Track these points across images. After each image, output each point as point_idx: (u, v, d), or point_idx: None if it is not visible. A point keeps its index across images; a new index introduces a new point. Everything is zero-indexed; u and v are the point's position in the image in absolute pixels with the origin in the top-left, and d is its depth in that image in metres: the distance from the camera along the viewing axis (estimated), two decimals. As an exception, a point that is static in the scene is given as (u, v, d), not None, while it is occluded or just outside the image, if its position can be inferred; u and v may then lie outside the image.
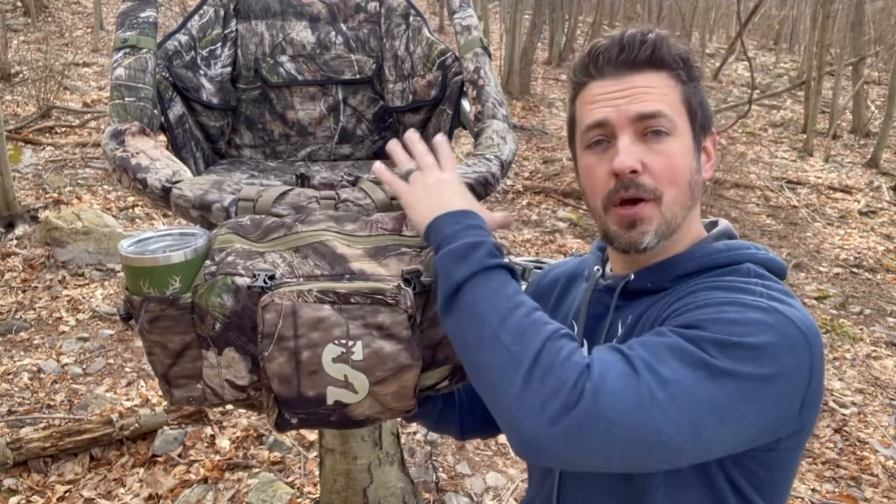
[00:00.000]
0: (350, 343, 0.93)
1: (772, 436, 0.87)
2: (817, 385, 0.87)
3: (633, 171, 0.95)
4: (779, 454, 0.91)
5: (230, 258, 0.98)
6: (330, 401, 0.96)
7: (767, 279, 0.95)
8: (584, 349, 1.08)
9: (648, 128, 0.97)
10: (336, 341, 0.93)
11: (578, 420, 0.78)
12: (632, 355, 0.83)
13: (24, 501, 3.09)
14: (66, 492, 3.17)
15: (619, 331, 1.02)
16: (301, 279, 0.97)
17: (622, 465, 0.82)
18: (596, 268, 1.13)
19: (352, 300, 0.94)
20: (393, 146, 1.11)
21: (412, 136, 1.10)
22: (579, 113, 1.04)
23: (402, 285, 0.96)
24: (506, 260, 0.94)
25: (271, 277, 0.96)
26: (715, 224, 1.10)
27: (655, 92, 0.97)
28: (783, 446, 0.90)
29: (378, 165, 1.09)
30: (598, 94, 1.00)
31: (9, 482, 3.18)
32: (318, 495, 2.99)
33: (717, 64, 16.48)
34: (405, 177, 1.06)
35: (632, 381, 0.80)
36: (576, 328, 1.12)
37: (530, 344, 0.83)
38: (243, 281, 0.95)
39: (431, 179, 1.03)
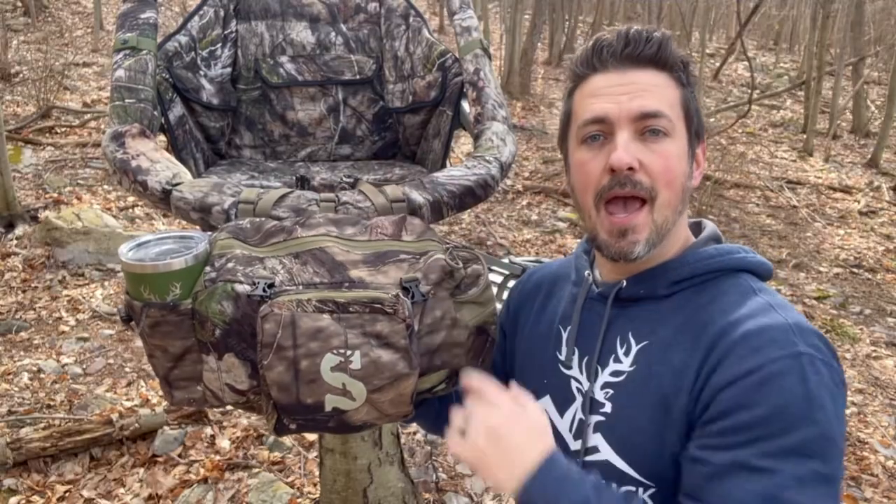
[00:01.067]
0: (348, 352, 0.93)
1: None
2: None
3: (630, 168, 0.94)
4: None
5: (230, 264, 0.98)
6: (328, 408, 0.96)
7: (764, 292, 0.95)
8: (576, 357, 1.07)
9: (647, 127, 0.95)
10: (334, 351, 0.93)
11: None
12: None
13: (24, 501, 3.10)
14: (66, 492, 3.17)
15: (619, 349, 1.01)
16: (300, 287, 0.97)
17: None
18: (587, 273, 1.11)
19: (350, 309, 0.94)
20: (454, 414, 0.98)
21: (468, 377, 1.00)
22: (577, 106, 1.02)
23: (401, 294, 0.96)
24: (607, 483, 0.91)
25: (270, 286, 0.95)
26: (699, 224, 1.10)
27: (657, 91, 0.96)
28: None
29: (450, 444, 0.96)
30: (600, 88, 0.98)
31: (9, 482, 3.18)
32: (318, 495, 2.99)
33: (717, 64, 16.48)
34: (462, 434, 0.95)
35: None
36: (563, 334, 1.11)
37: None
38: (243, 288, 0.95)
39: (487, 427, 0.92)
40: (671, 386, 0.93)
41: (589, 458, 1.01)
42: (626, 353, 1.00)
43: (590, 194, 0.99)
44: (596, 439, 1.00)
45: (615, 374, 1.00)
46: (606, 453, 0.99)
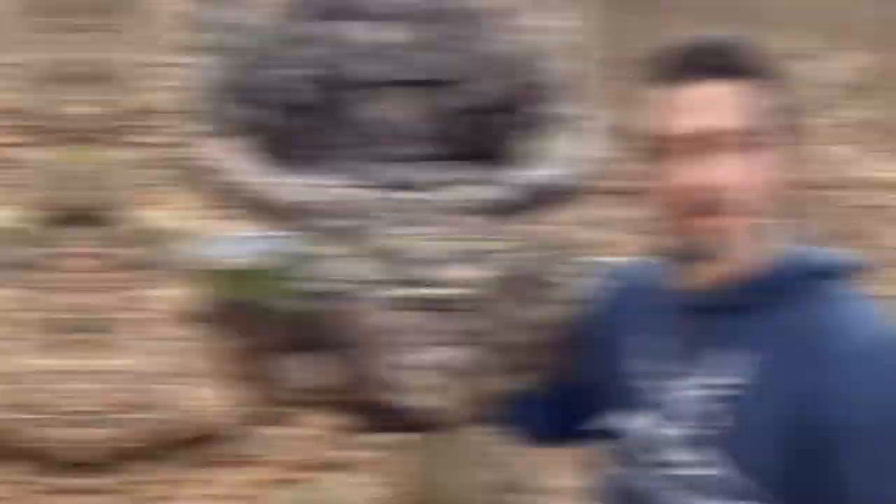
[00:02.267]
0: (436, 349, 0.94)
1: None
2: None
3: (712, 190, 0.93)
4: None
5: (316, 264, 0.99)
6: (414, 406, 0.97)
7: (862, 300, 0.98)
8: (674, 370, 1.05)
9: (728, 143, 0.94)
10: (421, 348, 0.94)
11: None
12: None
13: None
14: (146, 492, 3.23)
15: (724, 362, 1.00)
16: (387, 285, 0.98)
17: None
18: (672, 280, 1.09)
19: (437, 307, 0.94)
20: None
21: None
22: (654, 115, 1.01)
23: (482, 292, 0.96)
24: None
25: (357, 284, 0.97)
26: (782, 227, 1.06)
27: (742, 104, 0.95)
28: None
29: None
30: (676, 102, 0.97)
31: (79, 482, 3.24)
32: (394, 496, 3.01)
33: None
34: None
35: None
36: (653, 344, 1.09)
37: None
38: (330, 286, 0.97)
39: None
40: (785, 398, 0.93)
41: (703, 471, 1.00)
42: (734, 367, 0.98)
43: (671, 209, 0.98)
44: (712, 454, 0.99)
45: (725, 387, 0.99)
46: (726, 468, 0.98)
